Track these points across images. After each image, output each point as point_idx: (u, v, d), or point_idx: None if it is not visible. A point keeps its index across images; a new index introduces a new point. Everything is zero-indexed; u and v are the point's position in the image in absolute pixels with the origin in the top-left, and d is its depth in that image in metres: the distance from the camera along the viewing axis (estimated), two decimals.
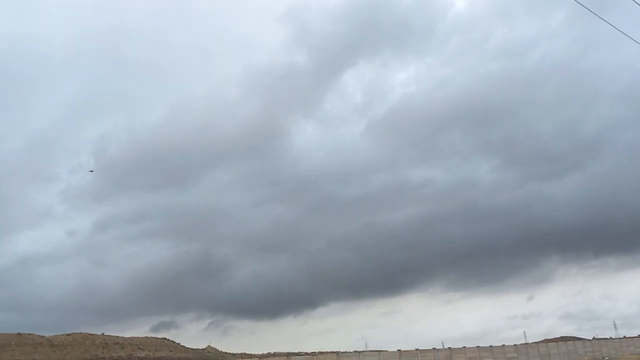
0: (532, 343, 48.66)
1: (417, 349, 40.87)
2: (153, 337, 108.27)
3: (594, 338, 71.68)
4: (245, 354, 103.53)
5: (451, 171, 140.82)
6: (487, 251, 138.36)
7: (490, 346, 44.90)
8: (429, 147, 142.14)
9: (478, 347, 44.11)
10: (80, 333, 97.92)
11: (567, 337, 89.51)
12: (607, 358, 51.44)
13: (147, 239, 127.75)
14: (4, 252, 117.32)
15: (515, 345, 46.53)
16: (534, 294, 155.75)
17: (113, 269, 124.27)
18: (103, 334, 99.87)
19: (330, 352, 73.29)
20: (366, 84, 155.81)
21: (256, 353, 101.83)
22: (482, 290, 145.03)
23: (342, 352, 53.25)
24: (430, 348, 41.40)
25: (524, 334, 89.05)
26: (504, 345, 45.71)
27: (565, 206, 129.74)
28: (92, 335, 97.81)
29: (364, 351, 39.07)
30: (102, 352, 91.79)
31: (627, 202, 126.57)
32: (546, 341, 70.33)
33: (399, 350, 40.14)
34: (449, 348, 42.35)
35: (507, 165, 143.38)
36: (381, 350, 38.77)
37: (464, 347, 43.35)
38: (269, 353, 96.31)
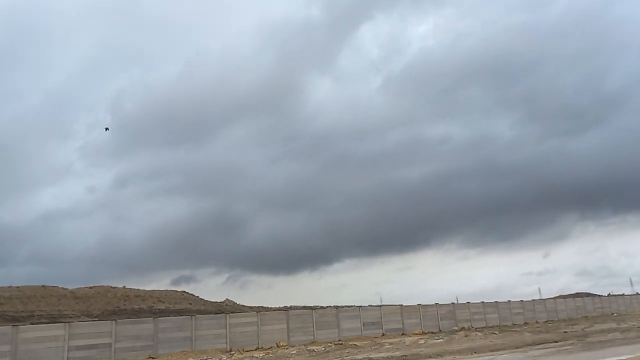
0: (539, 299, 47.71)
1: (419, 304, 40.42)
2: (173, 290, 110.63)
3: (609, 294, 70.97)
4: (262, 307, 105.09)
5: (470, 127, 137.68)
6: (504, 208, 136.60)
7: (496, 302, 44.15)
8: (447, 102, 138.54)
9: (483, 302, 43.45)
10: (103, 286, 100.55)
11: (581, 293, 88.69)
12: (615, 314, 50.51)
13: (165, 195, 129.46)
14: (28, 207, 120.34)
15: (521, 301, 45.77)
16: (550, 251, 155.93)
17: (133, 224, 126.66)
18: (124, 287, 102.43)
19: (304, 307, 73.77)
20: (383, 38, 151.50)
21: (273, 306, 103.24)
22: (498, 247, 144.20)
23: (318, 307, 53.35)
24: (433, 303, 40.88)
25: (539, 290, 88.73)
26: (509, 300, 44.97)
27: (586, 163, 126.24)
28: (114, 288, 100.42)
29: (364, 306, 38.61)
30: (124, 304, 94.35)
31: None
32: (561, 297, 69.47)
33: (400, 305, 39.76)
34: (452, 303, 41.76)
35: (527, 121, 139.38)
36: (382, 305, 38.35)
37: (468, 302, 42.73)
38: (285, 307, 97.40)
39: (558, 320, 45.65)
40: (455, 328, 39.82)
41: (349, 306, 39.17)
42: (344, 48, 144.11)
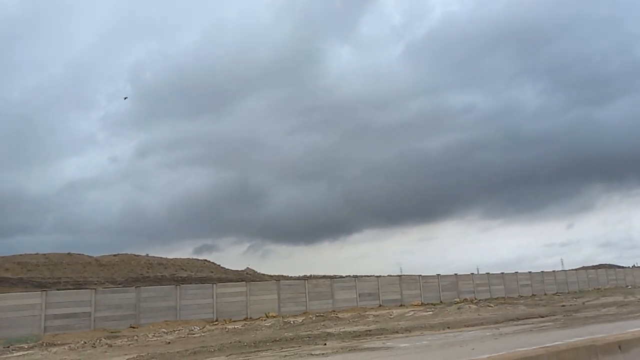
0: (550, 271, 45.84)
1: (419, 275, 39.24)
2: (195, 259, 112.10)
3: (633, 266, 69.22)
4: (282, 276, 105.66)
5: (493, 96, 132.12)
6: (527, 178, 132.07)
7: (502, 273, 42.55)
8: (470, 70, 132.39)
9: (488, 273, 41.96)
10: (126, 254, 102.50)
11: (605, 264, 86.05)
12: (630, 286, 48.35)
13: (185, 165, 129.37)
14: (53, 177, 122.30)
15: (529, 272, 44.03)
16: (573, 222, 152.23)
17: (156, 194, 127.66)
18: (147, 255, 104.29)
19: (323, 276, 73.10)
20: (405, 3, 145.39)
21: (293, 275, 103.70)
22: (521, 218, 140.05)
23: (337, 277, 52.57)
24: (435, 274, 39.64)
25: (561, 262, 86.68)
26: (516, 272, 43.30)
27: (613, 132, 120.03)
28: (137, 256, 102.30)
29: (361, 276, 37.71)
30: (147, 272, 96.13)
31: None
32: (583, 269, 67.60)
33: (399, 275, 38.71)
34: (455, 274, 40.37)
35: (553, 89, 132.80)
36: (380, 275, 37.30)
37: (472, 273, 41.31)
38: (304, 276, 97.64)
39: (568, 293, 43.89)
40: (457, 299, 38.64)
41: (367, 276, 38.45)
42: (364, 14, 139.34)
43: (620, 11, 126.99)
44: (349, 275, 65.93)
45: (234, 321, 27.85)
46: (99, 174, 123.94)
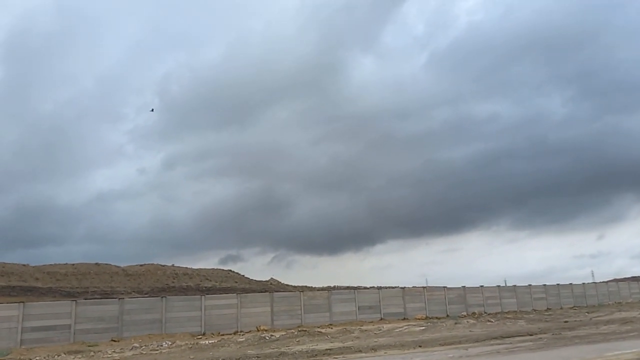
0: (567, 284, 43.14)
1: (424, 287, 37.56)
2: (219, 269, 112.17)
3: None
4: (306, 286, 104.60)
5: (520, 105, 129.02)
6: (555, 189, 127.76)
7: (514, 286, 40.26)
8: (495, 79, 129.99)
9: (498, 286, 39.75)
10: (152, 264, 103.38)
11: (638, 277, 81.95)
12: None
13: (212, 176, 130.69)
14: (83, 188, 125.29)
15: (544, 285, 41.49)
16: (604, 233, 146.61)
17: (182, 205, 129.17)
18: (173, 265, 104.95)
19: (347, 287, 71.40)
20: (429, 14, 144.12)
21: (317, 286, 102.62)
22: (549, 229, 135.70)
23: (361, 288, 51.13)
24: (441, 286, 37.87)
25: (592, 274, 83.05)
26: (530, 285, 40.88)
27: None
28: (163, 266, 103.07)
29: (361, 288, 36.29)
30: (173, 282, 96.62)
31: None
32: (614, 280, 64.38)
33: (403, 287, 37.05)
34: (463, 287, 38.40)
35: (581, 97, 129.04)
36: (381, 287, 35.83)
37: (481, 286, 39.23)
38: (328, 286, 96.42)
39: (586, 306, 41.23)
40: (464, 313, 36.74)
41: (392, 287, 37.02)
42: (388, 24, 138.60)
43: None
44: (373, 287, 64.48)
45: (222, 335, 26.94)
46: (128, 185, 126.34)
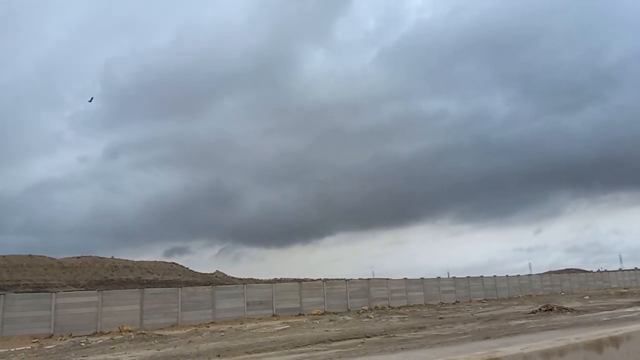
0: (478, 277, 41.54)
1: (323, 280, 35.27)
2: (162, 262, 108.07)
3: (598, 270, 67.59)
4: (252, 279, 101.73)
5: (465, 102, 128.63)
6: (497, 184, 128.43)
7: (422, 278, 38.33)
8: (443, 76, 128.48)
9: (405, 279, 37.73)
10: (90, 256, 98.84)
11: (572, 269, 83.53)
12: (563, 293, 43.91)
13: (157, 166, 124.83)
14: (20, 176, 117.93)
15: (454, 278, 39.71)
16: (542, 227, 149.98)
17: (126, 195, 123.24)
18: (112, 258, 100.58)
19: (294, 279, 69.27)
20: (379, 9, 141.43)
21: (264, 279, 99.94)
22: (491, 223, 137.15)
23: (307, 280, 48.85)
24: (342, 279, 35.62)
25: (529, 266, 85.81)
26: (439, 277, 39.06)
27: (581, 139, 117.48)
28: (102, 258, 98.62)
29: (250, 283, 33.78)
30: (112, 275, 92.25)
31: None
32: (550, 273, 64.63)
33: (299, 281, 34.70)
34: (367, 279, 36.27)
35: (523, 97, 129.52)
36: (275, 282, 33.32)
37: (387, 279, 37.16)
38: (275, 279, 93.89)
39: (496, 299, 39.67)
40: (366, 307, 34.59)
41: (338, 279, 34.70)
42: (339, 18, 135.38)
43: (587, 23, 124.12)
44: (319, 279, 62.14)
45: (73, 337, 23.91)
46: (68, 174, 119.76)
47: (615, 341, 6.92)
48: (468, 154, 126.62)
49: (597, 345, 6.64)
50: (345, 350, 13.93)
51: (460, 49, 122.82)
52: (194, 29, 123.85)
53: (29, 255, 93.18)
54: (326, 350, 14.31)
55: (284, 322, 25.32)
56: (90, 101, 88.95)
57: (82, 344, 18.18)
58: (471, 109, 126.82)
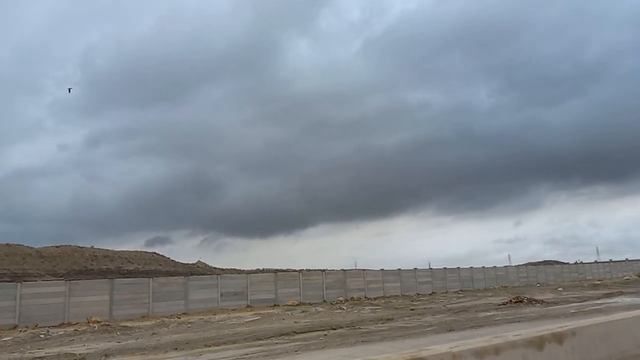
0: (455, 268, 41.59)
1: (299, 271, 35.03)
2: (143, 251, 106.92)
3: (576, 262, 68.63)
4: (234, 269, 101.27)
5: (449, 94, 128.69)
6: (479, 176, 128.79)
7: (399, 269, 38.27)
8: (427, 68, 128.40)
9: (382, 270, 37.64)
10: (70, 246, 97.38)
11: (550, 261, 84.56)
12: (539, 284, 44.30)
13: (139, 155, 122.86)
14: None
15: (430, 269, 39.75)
16: (521, 219, 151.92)
17: (107, 184, 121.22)
18: (92, 247, 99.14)
19: (276, 270, 69.01)
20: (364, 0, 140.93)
21: (246, 269, 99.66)
22: (472, 215, 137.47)
23: (264, 271, 48.61)
24: (319, 269, 35.38)
25: (509, 258, 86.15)
26: (415, 268, 39.02)
27: (561, 133, 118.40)
28: (82, 247, 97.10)
29: (224, 274, 33.38)
30: (91, 264, 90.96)
31: (624, 131, 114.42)
32: (529, 264, 65.45)
33: (275, 272, 34.41)
34: (343, 270, 36.07)
35: (506, 89, 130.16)
36: (250, 272, 32.98)
37: (364, 270, 37.01)
38: (257, 269, 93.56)
39: (472, 290, 39.80)
40: (341, 298, 34.41)
41: (321, 270, 34.35)
42: (324, 8, 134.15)
43: (570, 17, 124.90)
44: (304, 270, 61.82)
45: (38, 327, 23.34)
46: (48, 162, 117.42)
47: (558, 337, 6.67)
48: (451, 146, 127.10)
49: (539, 342, 6.38)
50: (306, 343, 13.62)
51: (445, 41, 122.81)
52: (177, 16, 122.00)
53: (7, 244, 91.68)
54: (287, 343, 14.00)
55: (255, 314, 24.99)
56: (70, 92, 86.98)
57: (42, 336, 17.65)
58: (455, 100, 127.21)
